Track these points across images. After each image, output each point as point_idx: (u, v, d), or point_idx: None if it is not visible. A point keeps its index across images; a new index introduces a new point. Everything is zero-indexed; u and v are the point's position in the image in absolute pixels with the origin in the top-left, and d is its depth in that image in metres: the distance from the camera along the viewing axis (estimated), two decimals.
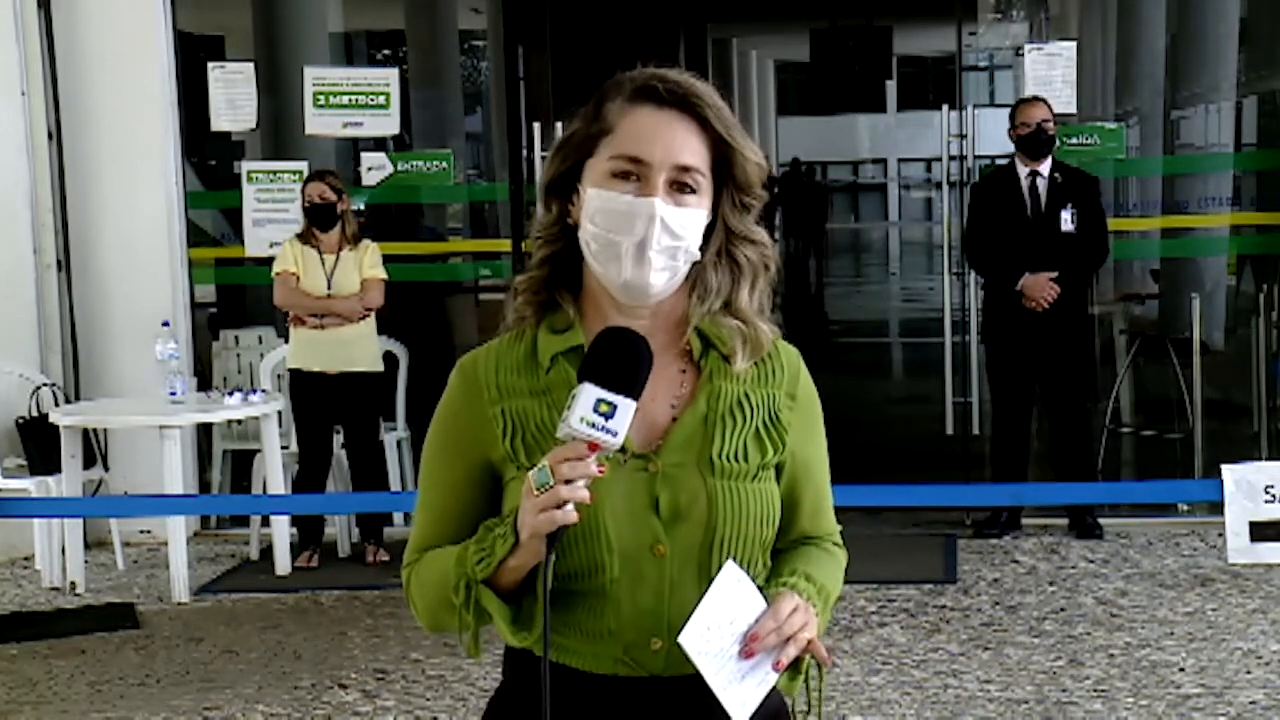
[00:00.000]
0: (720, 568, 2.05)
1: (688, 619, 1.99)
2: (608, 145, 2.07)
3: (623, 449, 2.04)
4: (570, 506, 1.92)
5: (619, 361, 1.97)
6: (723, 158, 2.09)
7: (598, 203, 2.06)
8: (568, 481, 1.92)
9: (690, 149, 2.06)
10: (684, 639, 1.98)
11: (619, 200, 2.04)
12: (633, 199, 2.04)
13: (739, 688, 2.01)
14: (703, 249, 2.09)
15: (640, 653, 2.06)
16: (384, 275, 7.55)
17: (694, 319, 2.11)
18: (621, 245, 2.04)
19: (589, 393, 1.94)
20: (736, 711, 2.00)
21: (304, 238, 7.54)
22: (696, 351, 2.12)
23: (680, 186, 2.06)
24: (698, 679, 2.04)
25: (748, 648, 2.00)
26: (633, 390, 1.96)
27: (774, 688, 2.10)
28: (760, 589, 2.06)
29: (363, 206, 8.97)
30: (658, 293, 2.07)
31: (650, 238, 2.03)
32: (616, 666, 2.07)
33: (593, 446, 1.93)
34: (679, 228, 2.04)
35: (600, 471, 1.94)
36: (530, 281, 2.14)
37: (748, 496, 2.08)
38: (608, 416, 1.93)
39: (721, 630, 2.01)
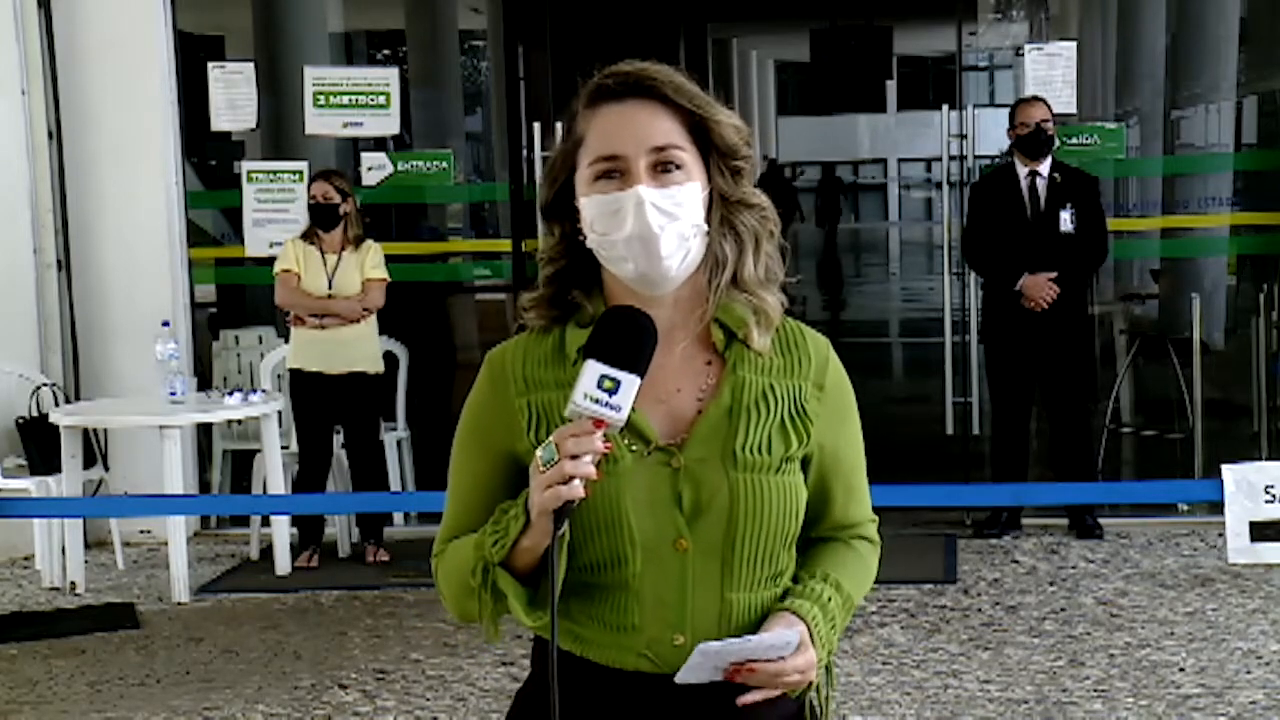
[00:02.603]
0: (741, 561, 2.06)
1: (727, 637, 2.02)
2: (585, 154, 2.09)
3: (646, 441, 2.05)
4: (577, 483, 1.93)
5: (622, 338, 1.98)
6: (699, 128, 2.09)
7: (590, 210, 2.07)
8: (574, 457, 1.93)
9: (660, 129, 2.07)
10: (702, 647, 2.00)
11: (606, 200, 2.06)
12: (618, 195, 2.05)
13: (699, 670, 2.02)
14: (707, 222, 2.10)
15: (662, 648, 2.07)
16: (385, 276, 7.54)
17: (711, 297, 2.11)
18: (624, 242, 2.05)
19: (592, 369, 1.96)
20: (680, 674, 2.02)
21: (307, 237, 7.55)
22: (720, 343, 2.12)
23: (663, 167, 2.06)
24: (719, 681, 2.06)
25: (739, 668, 2.02)
26: (636, 366, 1.97)
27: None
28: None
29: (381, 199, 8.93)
30: (676, 275, 2.07)
31: (646, 224, 2.03)
32: (639, 661, 2.08)
33: (598, 423, 1.94)
34: (672, 206, 2.05)
35: (606, 447, 1.95)
36: (537, 300, 2.15)
37: (770, 490, 2.08)
38: (611, 392, 1.94)
39: (738, 648, 2.02)
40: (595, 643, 2.09)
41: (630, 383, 1.95)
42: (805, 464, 2.15)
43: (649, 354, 1.99)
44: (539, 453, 1.96)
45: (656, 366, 2.02)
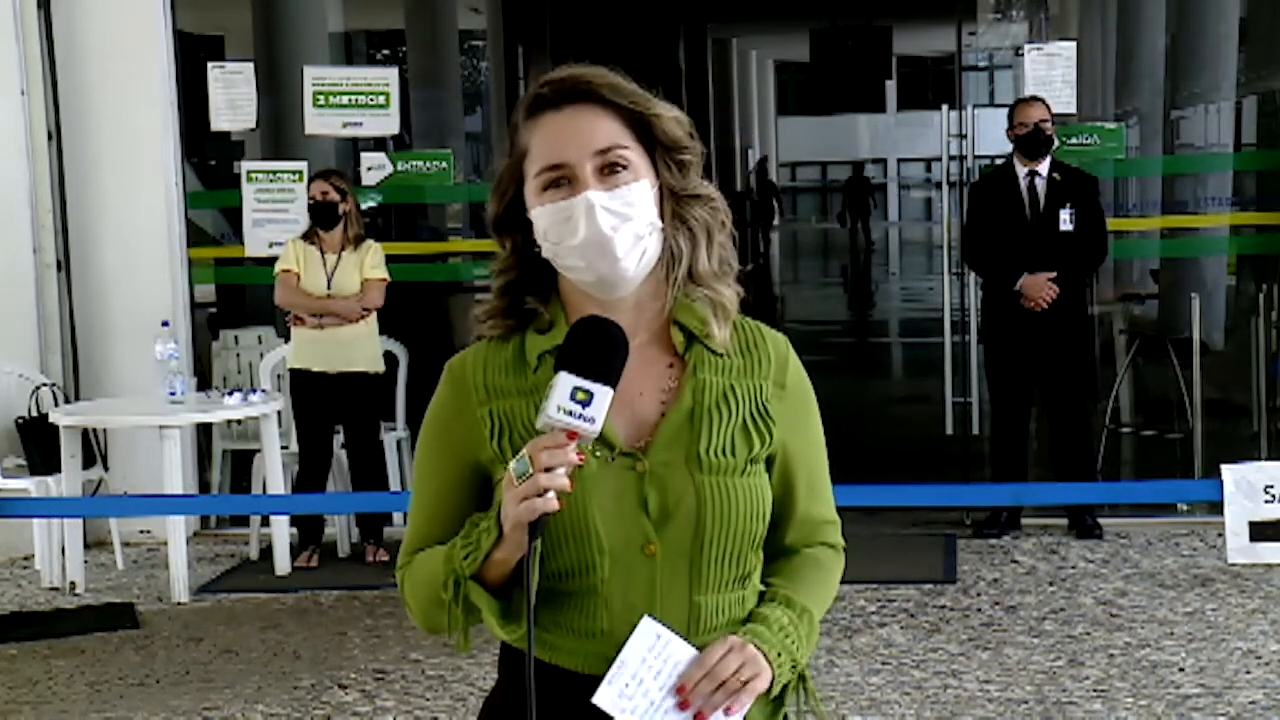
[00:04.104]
0: (709, 564, 2.06)
1: (602, 678, 2.00)
2: (530, 165, 2.09)
3: (610, 447, 2.05)
4: (551, 495, 1.93)
5: (594, 349, 1.98)
6: (642, 126, 2.09)
7: (542, 220, 2.07)
8: (547, 469, 1.92)
9: (602, 131, 2.06)
10: (599, 699, 1.99)
11: (556, 209, 2.05)
12: (567, 202, 2.05)
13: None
14: (660, 218, 2.10)
15: None
16: (385, 276, 7.54)
17: (669, 291, 2.11)
18: (580, 246, 2.04)
19: (565, 381, 1.95)
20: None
21: (307, 237, 7.55)
22: (680, 345, 2.12)
23: (609, 169, 2.06)
24: None
25: (681, 700, 2.00)
26: (609, 377, 1.96)
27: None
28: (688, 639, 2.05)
29: (375, 204, 8.94)
30: (634, 276, 2.07)
31: (599, 228, 2.03)
32: (609, 666, 2.07)
33: (571, 435, 1.94)
34: (623, 207, 2.05)
35: (580, 459, 1.94)
36: (492, 312, 2.15)
37: (736, 492, 2.07)
38: (585, 404, 1.94)
39: (646, 685, 2.00)
40: (564, 649, 2.08)
41: (603, 394, 1.95)
42: (769, 464, 2.14)
43: (621, 365, 1.99)
44: (512, 465, 1.96)
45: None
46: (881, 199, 40.40)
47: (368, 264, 7.50)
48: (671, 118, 2.10)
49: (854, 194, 31.48)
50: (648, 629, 2.02)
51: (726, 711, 2.02)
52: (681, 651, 2.03)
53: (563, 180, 2.05)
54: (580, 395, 1.94)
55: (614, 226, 2.04)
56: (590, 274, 2.06)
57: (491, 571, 2.03)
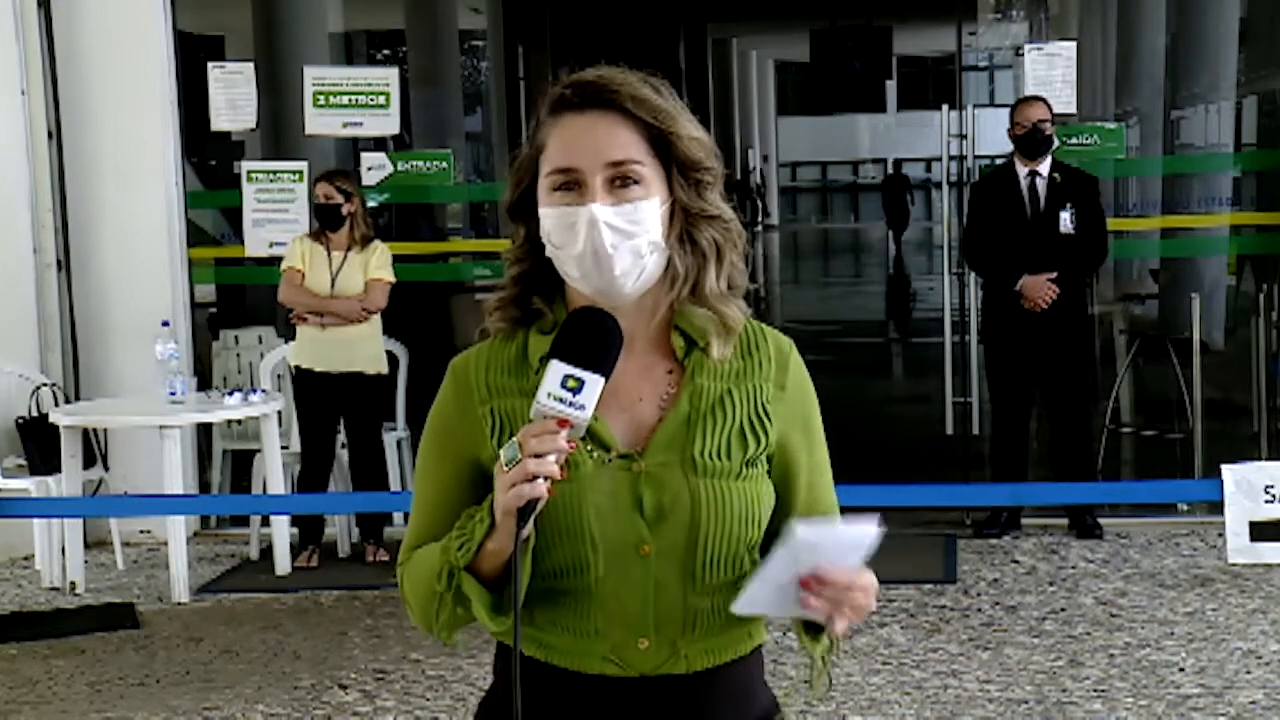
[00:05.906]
0: (704, 566, 2.05)
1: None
2: (545, 162, 2.08)
3: (607, 449, 2.05)
4: (541, 481, 1.93)
5: (586, 338, 1.99)
6: (661, 141, 2.07)
7: (547, 222, 2.07)
8: (537, 456, 1.93)
9: (618, 144, 2.05)
10: (762, 573, 1.96)
11: (562, 214, 2.05)
12: (573, 209, 2.04)
13: (765, 590, 1.98)
14: (667, 235, 2.08)
15: (627, 652, 2.06)
16: (389, 277, 7.54)
17: (662, 310, 2.10)
18: (578, 256, 2.04)
19: (556, 369, 1.96)
20: (741, 605, 1.98)
21: (315, 235, 7.56)
22: (680, 351, 2.12)
23: (620, 181, 2.05)
24: (685, 679, 2.06)
25: (809, 580, 1.97)
26: (601, 366, 1.97)
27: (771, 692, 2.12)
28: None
29: (375, 204, 8.95)
30: (631, 290, 2.06)
31: (599, 242, 2.02)
32: (604, 666, 2.07)
33: (563, 423, 1.94)
34: (627, 224, 2.04)
35: (571, 447, 1.95)
36: (501, 301, 2.15)
37: (731, 495, 2.07)
38: (575, 391, 1.95)
39: (809, 553, 1.98)
40: (559, 648, 2.08)
41: (594, 382, 1.96)
42: (770, 464, 2.13)
43: (614, 355, 2.00)
44: (503, 452, 1.96)
45: (618, 374, 2.01)
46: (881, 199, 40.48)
47: (373, 265, 7.50)
48: (692, 139, 2.08)
49: (892, 194, 29.88)
50: (871, 529, 2.01)
51: (825, 612, 1.99)
52: (856, 537, 2.01)
53: (572, 184, 2.05)
54: (571, 383, 1.95)
55: (614, 243, 2.03)
56: (585, 284, 2.06)
57: (485, 564, 2.03)
